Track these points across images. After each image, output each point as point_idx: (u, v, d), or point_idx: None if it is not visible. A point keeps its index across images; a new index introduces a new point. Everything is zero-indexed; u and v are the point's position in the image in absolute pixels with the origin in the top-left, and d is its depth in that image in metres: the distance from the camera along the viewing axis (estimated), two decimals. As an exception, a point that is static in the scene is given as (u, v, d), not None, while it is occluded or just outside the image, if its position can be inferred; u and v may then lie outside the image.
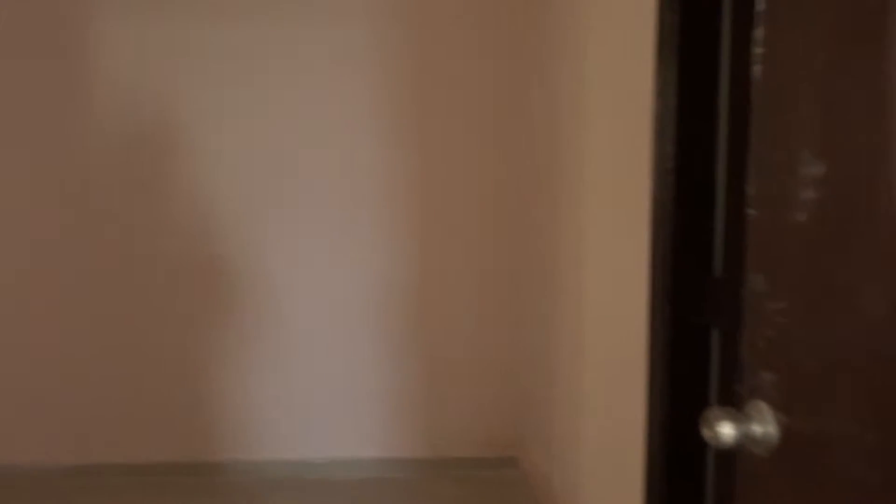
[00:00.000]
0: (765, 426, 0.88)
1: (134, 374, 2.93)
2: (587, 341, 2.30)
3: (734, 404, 0.96)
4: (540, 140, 2.81)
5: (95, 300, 2.88)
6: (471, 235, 2.98)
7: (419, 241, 2.96)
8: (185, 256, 2.86)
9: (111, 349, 2.92)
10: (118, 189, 2.82)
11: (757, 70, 0.95)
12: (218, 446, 2.97)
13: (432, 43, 2.88)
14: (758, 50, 0.94)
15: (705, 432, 0.91)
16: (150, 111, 2.78)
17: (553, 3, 2.63)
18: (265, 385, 2.96)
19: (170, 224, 2.84)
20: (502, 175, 2.95)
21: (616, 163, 2.18)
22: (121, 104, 2.79)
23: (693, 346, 1.69)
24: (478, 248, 2.99)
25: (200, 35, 2.76)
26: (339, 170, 2.88)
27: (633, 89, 1.93)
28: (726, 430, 0.89)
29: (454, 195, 2.96)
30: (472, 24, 2.88)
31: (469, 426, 3.07)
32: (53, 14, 2.75)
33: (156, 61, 2.77)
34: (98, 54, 2.77)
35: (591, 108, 2.24)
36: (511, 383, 3.05)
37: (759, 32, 0.94)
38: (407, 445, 3.04)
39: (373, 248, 2.94)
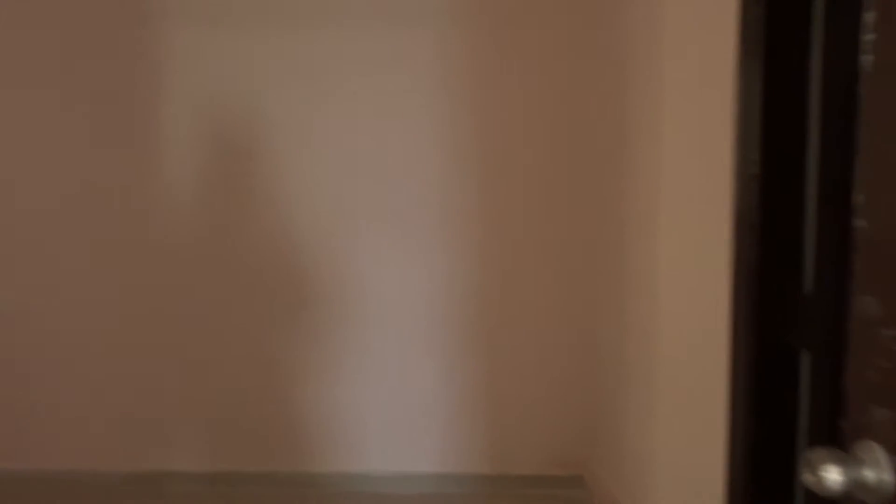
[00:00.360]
0: (879, 472, 0.75)
1: (204, 382, 2.93)
2: (661, 357, 2.17)
3: (835, 441, 0.84)
4: (611, 143, 2.69)
5: (176, 310, 2.89)
6: (539, 245, 2.87)
7: (484, 249, 2.88)
8: (266, 265, 2.85)
9: (187, 359, 2.92)
10: (201, 197, 2.82)
11: (867, 60, 0.83)
12: (278, 456, 2.94)
13: (500, 46, 2.79)
14: (868, 37, 0.82)
15: (807, 477, 0.78)
16: (230, 119, 2.79)
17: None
18: (329, 395, 2.91)
19: (252, 232, 2.84)
20: (571, 181, 2.84)
21: (694, 168, 2.06)
22: (204, 113, 2.80)
23: (780, 367, 1.54)
24: (546, 259, 2.88)
25: (279, 44, 2.76)
26: (410, 175, 2.83)
27: (714, 89, 1.81)
28: (833, 476, 0.77)
29: (521, 202, 2.86)
30: (539, 25, 2.78)
31: (533, 442, 2.96)
32: (135, 23, 2.78)
33: (236, 72, 2.78)
34: (179, 66, 2.80)
35: (667, 109, 2.12)
36: (579, 398, 2.92)
37: (869, 17, 0.83)
38: (467, 460, 2.95)
39: (437, 256, 2.86)
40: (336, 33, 2.77)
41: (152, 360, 2.92)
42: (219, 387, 2.92)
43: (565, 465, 2.95)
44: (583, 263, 2.86)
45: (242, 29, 2.77)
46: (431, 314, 2.88)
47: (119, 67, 2.80)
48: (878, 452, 0.76)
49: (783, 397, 1.55)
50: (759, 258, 1.52)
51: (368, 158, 2.82)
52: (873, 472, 0.76)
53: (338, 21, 2.77)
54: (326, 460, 2.94)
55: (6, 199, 2.89)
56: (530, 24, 2.78)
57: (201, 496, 2.87)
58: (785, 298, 1.53)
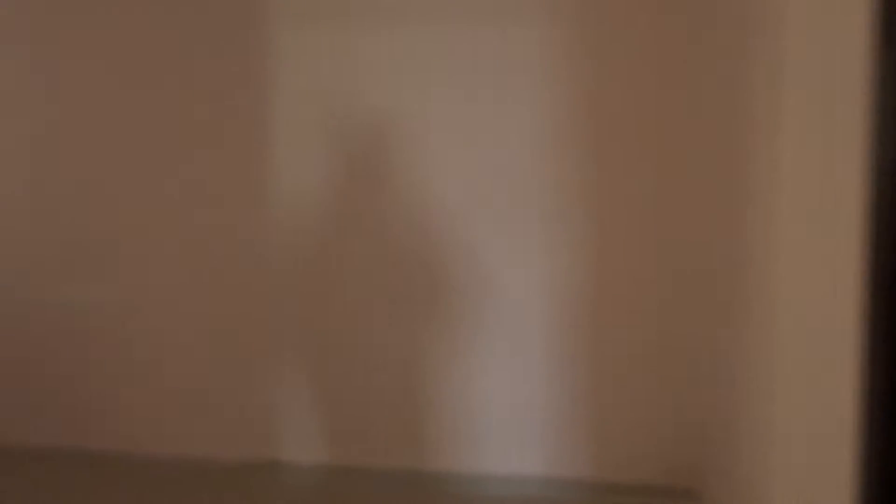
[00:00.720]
0: None
1: (324, 374, 3.00)
2: (781, 365, 2.03)
3: None
4: (726, 139, 2.55)
5: (299, 305, 2.97)
6: (651, 246, 2.76)
7: (597, 249, 2.79)
8: (390, 259, 2.87)
9: (310, 349, 3.00)
10: (324, 194, 2.89)
11: None
12: (394, 452, 2.99)
13: (611, 39, 2.69)
14: None
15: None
16: (348, 117, 2.84)
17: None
18: (447, 393, 2.92)
19: (375, 228, 2.87)
20: (684, 180, 2.72)
21: (818, 163, 1.91)
22: (322, 112, 2.86)
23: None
24: (660, 260, 2.77)
25: (391, 41, 2.78)
26: (526, 172, 2.78)
27: (841, 76, 1.67)
28: None
29: (634, 201, 2.76)
30: (653, 11, 2.68)
31: (642, 449, 2.85)
32: (249, 24, 2.87)
33: (353, 70, 2.82)
34: (297, 65, 2.86)
35: (789, 99, 1.98)
36: (692, 406, 2.80)
37: None
38: (572, 464, 2.88)
39: (553, 255, 2.81)
40: (447, 29, 2.76)
41: (274, 350, 3.01)
42: (339, 380, 2.98)
43: (676, 476, 2.83)
44: (697, 264, 2.74)
45: (354, 26, 2.81)
46: (548, 314, 2.83)
47: (233, 68, 2.90)
48: None
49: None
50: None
51: (486, 155, 2.79)
52: None
53: (449, 17, 2.76)
54: (437, 458, 2.94)
55: (128, 197, 3.04)
56: (644, 11, 2.68)
57: (317, 488, 2.93)
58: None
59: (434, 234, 2.84)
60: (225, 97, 2.92)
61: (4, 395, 3.23)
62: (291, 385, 3.02)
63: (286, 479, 3.02)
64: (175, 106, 2.96)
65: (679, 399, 2.81)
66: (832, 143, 1.78)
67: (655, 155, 2.73)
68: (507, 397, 2.89)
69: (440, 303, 2.88)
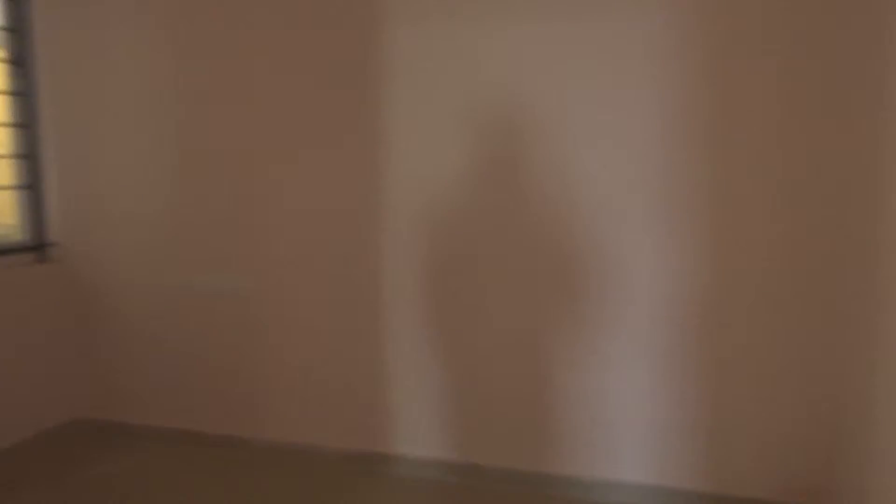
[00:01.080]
0: None
1: (452, 372, 3.06)
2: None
3: None
4: (863, 134, 2.39)
5: (432, 297, 3.04)
6: (779, 242, 2.63)
7: (728, 253, 2.69)
8: (531, 252, 2.88)
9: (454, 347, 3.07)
10: (464, 186, 2.92)
11: None
12: (517, 452, 3.01)
13: (738, 29, 2.59)
14: None
15: None
16: (487, 110, 2.85)
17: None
18: (573, 396, 2.91)
19: (517, 222, 2.88)
20: (820, 179, 2.57)
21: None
22: (460, 106, 2.89)
23: None
24: (782, 261, 2.63)
25: (519, 35, 2.79)
26: (663, 166, 2.72)
27: None
28: None
29: (766, 203, 2.63)
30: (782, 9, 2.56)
31: (763, 464, 2.72)
32: (391, 23, 2.97)
33: (489, 63, 2.84)
34: (441, 61, 2.90)
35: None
36: (819, 421, 2.64)
37: None
38: (689, 476, 2.78)
39: (681, 256, 2.73)
40: (574, 24, 2.74)
41: (400, 343, 3.09)
42: (465, 376, 3.03)
43: (800, 494, 2.68)
44: (829, 271, 2.58)
45: (483, 23, 2.83)
46: (675, 316, 2.76)
47: (365, 65, 2.99)
48: None
49: None
50: None
51: (623, 148, 2.75)
52: None
53: (575, 11, 2.74)
54: (557, 461, 2.93)
55: (266, 193, 3.20)
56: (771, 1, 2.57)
57: (439, 484, 2.99)
58: None
59: (566, 229, 2.81)
60: (358, 96, 3.00)
61: (134, 376, 3.46)
62: (417, 380, 3.08)
63: (409, 473, 3.06)
64: (309, 106, 3.09)
65: (806, 416, 2.67)
66: None
67: (782, 150, 2.61)
68: (631, 404, 2.84)
69: (571, 300, 2.85)
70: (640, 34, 2.67)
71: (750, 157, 2.63)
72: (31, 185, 3.43)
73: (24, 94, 3.38)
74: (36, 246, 3.43)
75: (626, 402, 2.84)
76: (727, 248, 2.68)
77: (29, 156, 3.42)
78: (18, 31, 3.35)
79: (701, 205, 2.69)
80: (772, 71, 2.58)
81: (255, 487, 2.92)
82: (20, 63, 3.36)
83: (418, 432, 3.09)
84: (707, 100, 2.64)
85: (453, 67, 2.86)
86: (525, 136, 2.82)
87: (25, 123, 3.39)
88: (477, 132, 2.86)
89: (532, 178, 2.83)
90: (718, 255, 2.69)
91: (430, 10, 2.87)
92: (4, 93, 3.33)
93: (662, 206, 2.72)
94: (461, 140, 2.88)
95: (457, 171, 2.90)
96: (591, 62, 2.73)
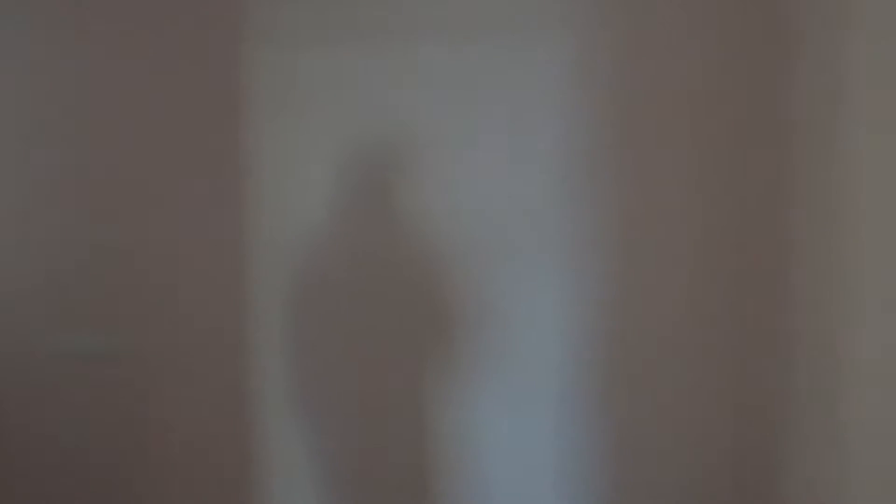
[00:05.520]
0: None
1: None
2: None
3: None
4: (779, 143, 2.32)
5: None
6: (684, 277, 2.50)
7: (623, 283, 2.53)
8: (403, 295, 2.66)
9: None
10: (334, 219, 2.69)
11: None
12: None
13: (639, 46, 2.48)
14: None
15: None
16: (367, 138, 2.65)
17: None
18: (454, 441, 2.66)
19: (388, 256, 2.66)
20: (736, 195, 2.45)
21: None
22: (335, 133, 2.66)
23: None
24: (692, 294, 2.49)
25: (402, 57, 2.61)
26: (550, 192, 2.57)
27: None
28: None
29: (665, 229, 2.50)
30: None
31: None
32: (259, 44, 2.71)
33: (371, 91, 2.64)
34: (308, 87, 2.67)
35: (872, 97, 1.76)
36: (735, 464, 2.51)
37: None
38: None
39: (573, 288, 2.55)
40: (458, 46, 2.57)
41: (260, 393, 2.76)
42: (334, 427, 2.74)
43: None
44: (739, 303, 2.46)
45: (356, 46, 2.64)
46: (569, 355, 2.57)
47: (226, 90, 2.71)
48: None
49: None
50: None
51: (503, 175, 2.59)
52: None
53: (459, 32, 2.58)
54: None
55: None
56: (676, 26, 2.48)
57: None
58: None
59: (444, 266, 2.61)
60: (215, 127, 2.71)
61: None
62: (280, 433, 2.75)
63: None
64: (162, 134, 2.75)
65: (720, 457, 2.50)
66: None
67: (688, 185, 2.48)
68: (523, 449, 2.62)
69: (449, 342, 2.63)
70: (539, 57, 2.51)
71: (656, 189, 2.49)
72: None
73: None
74: None
75: (524, 449, 2.62)
76: (634, 284, 2.53)
77: None
78: None
79: (603, 238, 2.54)
80: (676, 94, 2.46)
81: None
82: None
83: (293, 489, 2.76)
84: (608, 126, 2.50)
85: (326, 94, 2.63)
86: (406, 167, 2.62)
87: None
88: (352, 163, 2.65)
89: (413, 210, 2.62)
90: (625, 291, 2.54)
91: (300, 33, 2.65)
92: None
93: (561, 243, 2.56)
94: (334, 172, 2.65)
95: (328, 208, 2.67)
96: (484, 87, 2.56)
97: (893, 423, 1.68)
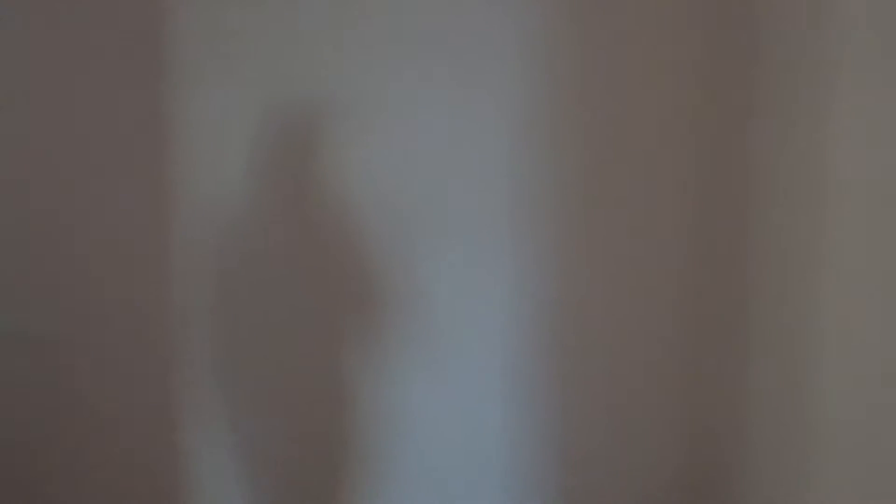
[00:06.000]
0: None
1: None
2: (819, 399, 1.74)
3: None
4: (715, 134, 2.28)
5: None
6: (627, 253, 2.48)
7: (567, 258, 2.48)
8: (328, 270, 2.50)
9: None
10: (257, 188, 2.50)
11: None
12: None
13: (592, 21, 2.41)
14: None
15: None
16: (293, 97, 2.46)
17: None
18: (381, 429, 2.56)
19: (315, 228, 2.50)
20: (670, 179, 2.45)
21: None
22: (261, 93, 2.46)
23: None
24: (638, 269, 2.48)
25: (334, 19, 2.42)
26: (494, 178, 2.48)
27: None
28: None
29: (612, 202, 2.47)
30: None
31: (621, 492, 2.55)
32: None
33: (284, 51, 2.44)
34: (229, 44, 2.46)
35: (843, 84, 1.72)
36: (684, 443, 2.53)
37: None
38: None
39: (511, 267, 2.49)
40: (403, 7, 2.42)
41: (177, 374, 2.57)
42: (252, 410, 2.58)
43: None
44: (683, 275, 2.46)
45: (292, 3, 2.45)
46: (511, 333, 2.52)
47: (137, 49, 2.47)
48: None
49: None
50: None
51: (444, 143, 2.47)
52: None
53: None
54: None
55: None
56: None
57: None
58: None
59: (374, 240, 2.47)
60: (136, 90, 2.46)
61: None
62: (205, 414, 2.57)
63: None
64: (78, 100, 2.49)
65: (668, 437, 2.52)
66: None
67: (640, 155, 2.44)
68: (459, 428, 2.54)
69: (374, 321, 2.52)
70: (490, 17, 2.39)
71: (605, 162, 2.44)
72: None
73: None
74: None
75: (460, 428, 2.56)
76: (579, 260, 2.47)
77: None
78: None
79: (548, 212, 2.47)
80: (634, 66, 2.41)
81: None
82: None
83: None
84: (560, 96, 2.42)
85: (253, 54, 2.44)
86: (337, 133, 2.45)
87: None
88: (278, 129, 2.47)
89: (343, 179, 2.48)
90: (568, 267, 2.48)
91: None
92: None
93: (507, 219, 2.47)
94: (259, 140, 2.47)
95: (250, 176, 2.49)
96: (426, 46, 2.42)
97: (859, 423, 1.66)
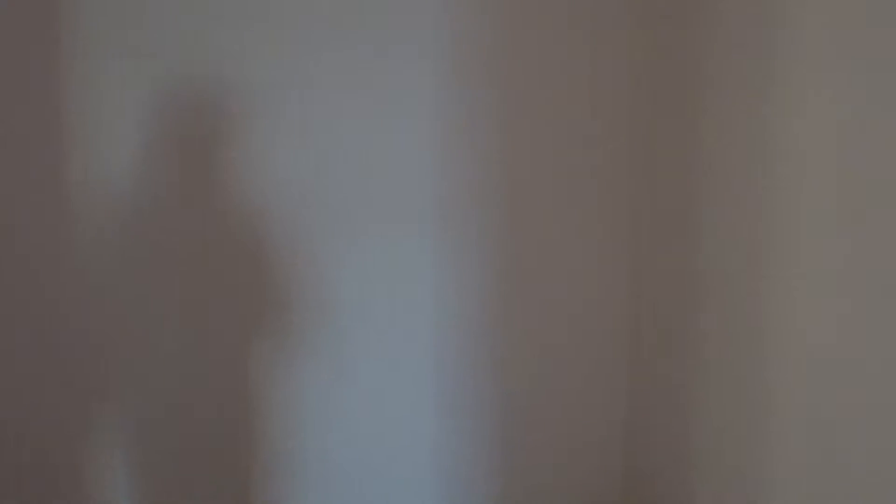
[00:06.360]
0: None
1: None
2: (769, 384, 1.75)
3: None
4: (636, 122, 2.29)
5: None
6: (548, 248, 2.45)
7: (489, 253, 2.43)
8: (229, 267, 2.34)
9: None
10: (150, 178, 2.28)
11: None
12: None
13: (515, 15, 2.37)
14: None
15: None
16: (192, 79, 2.27)
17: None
18: (303, 431, 2.42)
19: (213, 232, 2.33)
20: (595, 171, 2.44)
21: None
22: (155, 75, 2.25)
23: None
24: (559, 265, 2.45)
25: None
26: (409, 174, 2.37)
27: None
28: None
29: (535, 194, 2.43)
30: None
31: (556, 487, 2.52)
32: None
33: (194, 35, 2.25)
34: (120, 17, 2.23)
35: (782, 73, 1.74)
36: (618, 435, 2.53)
37: None
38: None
39: (435, 261, 2.40)
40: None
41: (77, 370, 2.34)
42: (147, 406, 2.37)
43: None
44: (609, 273, 2.44)
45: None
46: (432, 333, 2.43)
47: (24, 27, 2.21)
48: None
49: None
50: None
51: (360, 130, 2.35)
52: None
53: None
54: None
55: None
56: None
57: None
58: None
59: (281, 233, 2.34)
60: (31, 67, 2.20)
61: None
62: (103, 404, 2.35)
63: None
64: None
65: (603, 430, 2.51)
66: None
67: (571, 153, 2.42)
68: (390, 433, 2.44)
69: (280, 319, 2.38)
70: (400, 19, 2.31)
71: (548, 158, 2.41)
72: None
73: None
74: None
75: (376, 431, 2.46)
76: (502, 254, 2.42)
77: None
78: None
79: (471, 203, 2.40)
80: (560, 53, 2.39)
81: None
82: None
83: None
84: (487, 81, 2.37)
85: (156, 28, 2.24)
86: (243, 115, 2.29)
87: None
88: (181, 110, 2.28)
89: (247, 165, 2.33)
90: (491, 261, 2.42)
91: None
92: None
93: (429, 210, 2.38)
94: (160, 121, 2.27)
95: (144, 165, 2.29)
96: (345, 24, 2.29)
97: (808, 423, 1.68)
